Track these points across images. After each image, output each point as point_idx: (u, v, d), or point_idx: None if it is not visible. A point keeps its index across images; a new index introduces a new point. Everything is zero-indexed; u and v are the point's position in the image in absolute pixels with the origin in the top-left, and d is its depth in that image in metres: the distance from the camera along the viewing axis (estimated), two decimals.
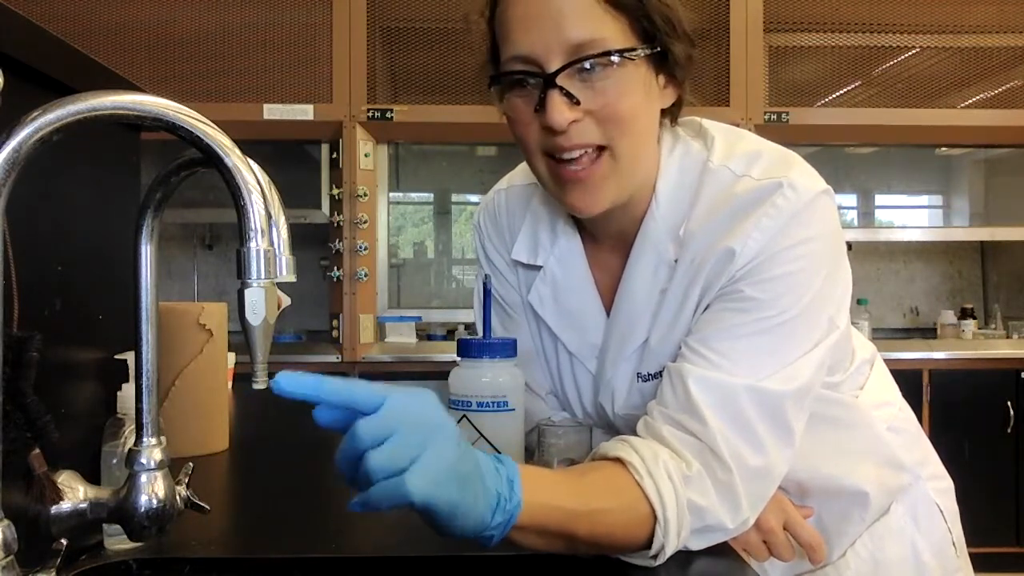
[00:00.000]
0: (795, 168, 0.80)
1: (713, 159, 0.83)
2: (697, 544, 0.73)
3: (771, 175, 0.79)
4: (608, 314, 0.91)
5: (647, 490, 0.70)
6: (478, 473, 0.60)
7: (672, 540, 0.70)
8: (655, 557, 0.71)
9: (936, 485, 1.02)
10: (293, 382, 0.55)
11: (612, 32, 0.76)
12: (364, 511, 0.57)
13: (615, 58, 0.76)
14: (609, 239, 0.90)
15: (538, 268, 0.94)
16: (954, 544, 1.01)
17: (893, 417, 1.00)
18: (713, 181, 0.82)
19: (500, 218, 0.99)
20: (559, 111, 0.76)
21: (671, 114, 0.86)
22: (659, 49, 0.79)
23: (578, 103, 0.76)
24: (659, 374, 0.83)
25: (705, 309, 0.81)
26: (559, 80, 0.76)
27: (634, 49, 0.77)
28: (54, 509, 0.60)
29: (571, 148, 0.78)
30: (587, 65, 0.76)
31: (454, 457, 0.58)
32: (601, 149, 0.78)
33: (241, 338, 0.56)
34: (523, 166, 1.01)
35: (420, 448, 0.56)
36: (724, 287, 0.79)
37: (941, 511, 1.01)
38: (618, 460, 0.73)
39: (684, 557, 0.74)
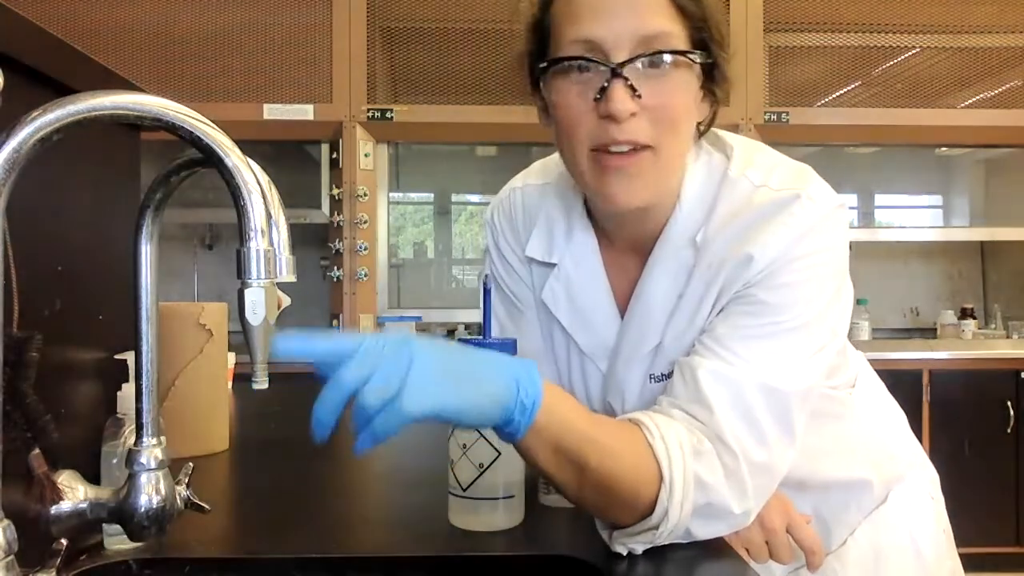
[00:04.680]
0: (812, 182, 0.83)
1: (732, 169, 0.85)
2: (700, 529, 0.74)
3: (789, 186, 0.81)
4: (622, 316, 0.92)
5: (656, 450, 0.72)
6: (485, 366, 0.64)
7: (675, 509, 0.71)
8: (656, 528, 0.71)
9: (925, 475, 1.07)
10: (289, 344, 0.58)
11: (679, 32, 0.78)
12: (374, 446, 0.61)
13: (680, 57, 0.78)
14: (627, 243, 0.92)
15: (552, 266, 0.95)
16: (944, 532, 1.05)
17: (885, 412, 1.06)
18: (732, 190, 0.84)
19: (516, 216, 1.00)
20: (622, 100, 0.76)
21: (699, 130, 0.88)
22: (711, 61, 0.81)
23: (639, 96, 0.77)
24: (670, 374, 0.85)
25: (719, 312, 0.82)
26: (625, 71, 0.76)
27: (695, 53, 0.79)
28: (54, 509, 0.60)
29: (622, 142, 0.78)
30: (655, 59, 0.77)
31: (443, 365, 0.62)
32: (645, 148, 0.80)
33: (241, 338, 0.56)
34: (537, 165, 1.02)
35: (405, 370, 0.60)
36: (739, 291, 0.80)
37: (932, 500, 1.05)
38: (632, 422, 0.75)
39: (685, 557, 0.74)
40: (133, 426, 0.64)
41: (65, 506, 0.61)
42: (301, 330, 0.60)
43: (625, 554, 0.73)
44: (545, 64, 0.81)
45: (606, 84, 0.77)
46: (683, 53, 0.77)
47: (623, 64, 0.76)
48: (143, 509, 0.61)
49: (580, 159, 0.82)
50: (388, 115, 3.11)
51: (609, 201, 0.82)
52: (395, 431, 0.60)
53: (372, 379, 0.59)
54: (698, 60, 0.79)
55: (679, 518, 0.71)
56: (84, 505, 0.62)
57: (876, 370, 1.10)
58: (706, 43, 0.80)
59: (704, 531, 0.74)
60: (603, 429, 0.72)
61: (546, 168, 1.00)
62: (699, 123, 0.87)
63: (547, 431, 0.66)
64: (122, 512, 0.62)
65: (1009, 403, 3.09)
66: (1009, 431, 3.09)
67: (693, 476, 0.72)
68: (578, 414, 0.70)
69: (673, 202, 0.86)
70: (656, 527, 0.71)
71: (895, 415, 1.08)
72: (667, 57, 0.77)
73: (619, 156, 0.79)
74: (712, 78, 0.83)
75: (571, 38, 0.78)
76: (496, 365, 0.65)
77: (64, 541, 0.60)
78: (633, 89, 0.77)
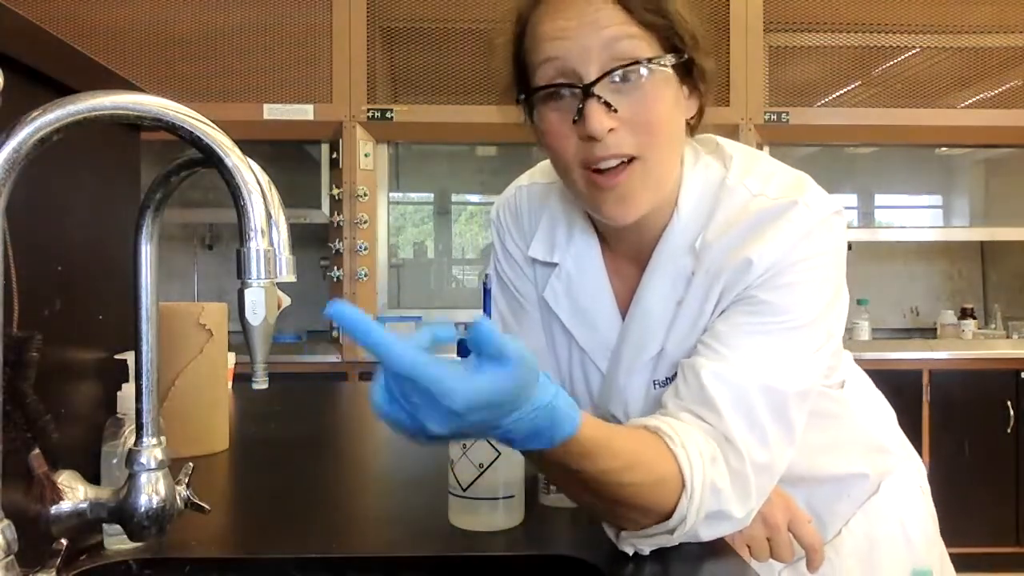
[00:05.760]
0: (809, 189, 0.84)
1: (731, 177, 0.86)
2: (706, 533, 0.74)
3: (786, 195, 0.83)
4: (623, 317, 0.93)
5: (679, 458, 0.72)
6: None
7: (693, 515, 0.72)
8: (672, 532, 0.72)
9: (914, 466, 1.10)
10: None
11: (645, 45, 0.79)
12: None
13: (651, 66, 0.79)
14: (627, 249, 0.93)
15: (554, 266, 0.96)
16: (931, 517, 1.08)
17: (875, 407, 1.09)
18: (730, 198, 0.85)
19: (521, 214, 1.01)
20: (598, 119, 0.78)
21: (690, 127, 0.89)
22: (686, 59, 0.82)
23: (615, 111, 0.79)
24: (675, 377, 0.85)
25: (720, 314, 0.83)
26: (596, 89, 0.78)
27: (665, 57, 0.80)
28: (54, 509, 0.60)
29: (608, 157, 0.80)
30: (623, 74, 0.78)
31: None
32: (632, 159, 0.81)
33: (241, 338, 0.56)
34: (543, 165, 1.03)
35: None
36: (740, 294, 0.81)
37: (920, 490, 1.08)
38: (647, 429, 0.75)
39: (685, 556, 0.74)
40: (133, 426, 0.64)
41: (65, 506, 0.61)
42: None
43: (631, 553, 0.74)
44: (524, 96, 0.84)
45: (581, 105, 0.79)
46: (650, 60, 0.79)
47: (594, 83, 0.78)
48: (143, 509, 0.61)
49: (574, 177, 0.84)
50: (388, 115, 3.11)
51: (608, 218, 0.84)
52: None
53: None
54: (669, 64, 0.80)
55: (694, 523, 0.72)
56: (84, 505, 0.62)
57: (876, 370, 1.13)
58: (676, 46, 0.81)
59: (709, 533, 0.75)
60: (625, 438, 0.71)
61: (552, 169, 1.00)
62: (688, 119, 0.88)
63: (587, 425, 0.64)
64: (122, 512, 0.62)
65: (1009, 403, 3.09)
66: (1009, 431, 3.09)
67: (710, 484, 0.73)
68: (608, 446, 0.67)
69: (670, 210, 0.88)
70: (671, 531, 0.72)
71: (884, 410, 1.10)
72: (638, 69, 0.78)
73: (609, 174, 0.81)
74: (691, 76, 0.84)
75: (542, 68, 0.81)
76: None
77: (64, 541, 0.60)
78: (608, 105, 0.78)
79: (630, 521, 0.73)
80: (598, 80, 0.78)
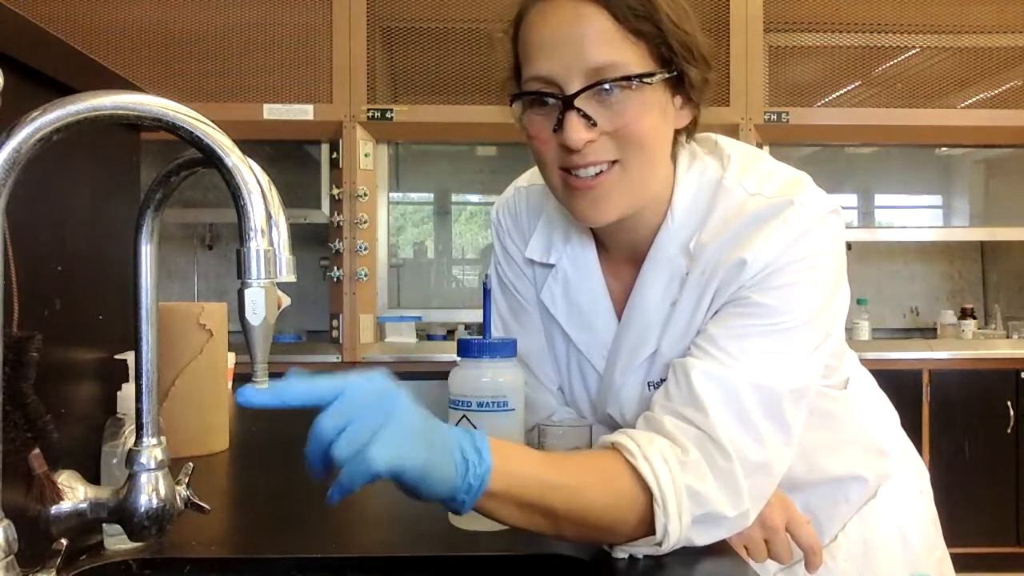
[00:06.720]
0: (806, 188, 0.83)
1: (728, 177, 0.86)
2: (700, 537, 0.74)
3: (783, 194, 0.82)
4: (619, 318, 0.92)
5: (641, 470, 0.71)
6: (444, 440, 0.63)
7: (674, 523, 0.71)
8: (660, 544, 0.72)
9: (914, 469, 1.09)
10: (256, 395, 0.56)
11: (631, 57, 0.79)
12: (342, 497, 0.60)
13: (632, 82, 0.78)
14: (622, 250, 0.92)
15: (551, 267, 0.97)
16: (932, 523, 1.07)
17: (877, 408, 1.07)
18: (726, 198, 0.85)
19: (520, 215, 1.01)
20: (576, 132, 0.78)
21: (687, 132, 0.88)
22: (676, 73, 0.81)
23: (595, 124, 0.79)
24: None
25: (714, 315, 0.83)
26: (577, 102, 0.78)
27: (651, 74, 0.79)
28: (54, 509, 0.60)
29: (586, 165, 0.80)
30: (605, 88, 0.78)
31: (417, 424, 0.61)
32: (613, 162, 0.81)
33: (241, 338, 0.56)
34: None
35: (380, 424, 0.59)
36: (733, 294, 0.81)
37: (920, 493, 1.07)
38: (611, 446, 0.75)
39: (684, 556, 0.74)
40: (133, 426, 0.64)
41: (65, 506, 0.61)
42: (277, 379, 0.57)
43: (626, 556, 0.74)
44: (511, 99, 0.85)
45: (561, 116, 0.79)
46: (632, 77, 0.78)
47: (573, 96, 0.78)
48: (143, 509, 0.61)
49: (552, 179, 0.85)
50: (388, 115, 3.11)
51: (581, 218, 0.85)
52: (361, 483, 0.59)
53: (347, 429, 0.58)
54: (655, 80, 0.79)
55: (679, 531, 0.72)
56: (84, 505, 0.62)
57: (876, 370, 1.11)
58: (669, 57, 0.81)
59: (705, 538, 0.74)
60: (567, 470, 0.71)
61: None
62: (682, 128, 0.87)
63: (506, 494, 0.66)
64: (122, 512, 0.62)
65: (1009, 403, 3.09)
66: (1009, 431, 3.09)
67: (685, 488, 0.72)
68: (535, 467, 0.69)
69: (664, 210, 0.87)
70: (660, 543, 0.72)
71: (886, 411, 1.09)
72: (614, 85, 0.78)
73: (587, 179, 0.81)
74: (684, 86, 0.83)
75: (529, 75, 0.81)
76: (446, 442, 0.63)
77: (64, 541, 0.60)
78: (587, 118, 0.78)
79: (608, 541, 0.73)
80: (578, 93, 0.78)
